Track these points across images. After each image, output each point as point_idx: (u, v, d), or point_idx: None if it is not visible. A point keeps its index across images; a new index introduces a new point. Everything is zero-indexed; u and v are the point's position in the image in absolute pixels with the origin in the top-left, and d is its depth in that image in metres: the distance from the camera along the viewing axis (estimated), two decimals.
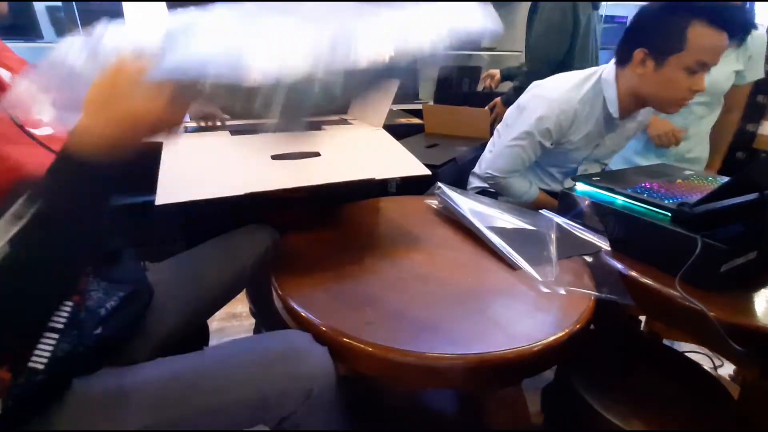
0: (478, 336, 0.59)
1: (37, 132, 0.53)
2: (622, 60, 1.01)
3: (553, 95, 1.06)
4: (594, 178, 0.93)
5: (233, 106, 0.40)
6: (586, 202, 0.85)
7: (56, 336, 0.51)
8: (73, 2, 1.92)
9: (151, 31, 0.42)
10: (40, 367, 0.49)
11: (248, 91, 0.37)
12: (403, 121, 1.92)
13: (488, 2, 0.45)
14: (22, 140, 0.51)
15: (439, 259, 0.79)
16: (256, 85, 0.37)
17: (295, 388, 0.57)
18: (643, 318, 1.23)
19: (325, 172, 0.75)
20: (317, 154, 0.79)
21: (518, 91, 1.40)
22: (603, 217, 0.83)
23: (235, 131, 0.88)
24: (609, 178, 0.94)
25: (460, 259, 0.79)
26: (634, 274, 0.73)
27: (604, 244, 0.80)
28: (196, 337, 0.92)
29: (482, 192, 1.24)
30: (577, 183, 0.93)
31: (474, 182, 1.32)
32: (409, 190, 1.20)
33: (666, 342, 1.16)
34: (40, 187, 0.40)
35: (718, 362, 1.43)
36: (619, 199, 0.83)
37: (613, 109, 1.05)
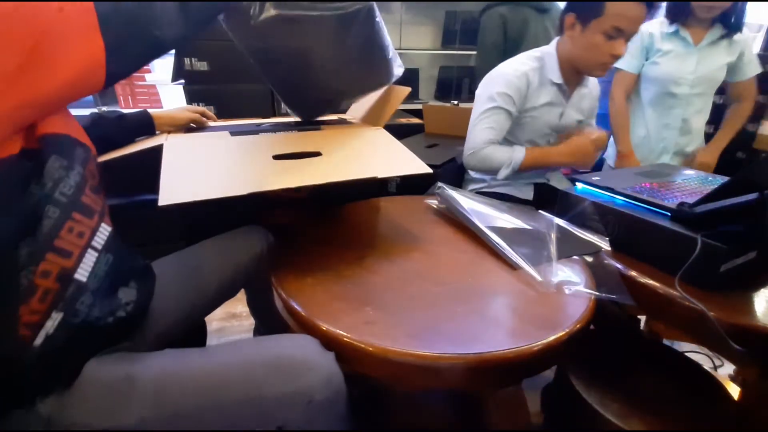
0: (478, 336, 0.59)
1: None
2: (561, 28, 1.13)
3: (503, 70, 1.16)
4: (594, 178, 0.93)
5: None
6: (586, 202, 0.85)
7: (96, 255, 0.55)
8: None
9: None
10: (84, 280, 0.53)
11: None
12: (403, 121, 1.92)
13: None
14: None
15: (439, 258, 0.79)
16: None
17: (295, 394, 0.56)
18: (643, 318, 1.24)
19: (326, 171, 0.75)
20: (318, 154, 0.79)
21: None
22: (603, 217, 0.83)
23: (236, 132, 0.89)
24: (609, 178, 0.94)
25: (460, 259, 0.79)
26: (634, 274, 0.73)
27: (604, 244, 0.80)
28: (194, 334, 0.92)
29: (481, 192, 1.25)
30: (576, 183, 0.93)
31: (470, 185, 1.32)
32: (409, 189, 1.20)
33: (666, 342, 1.17)
34: None
35: (718, 362, 1.43)
36: (619, 199, 0.83)
37: (555, 76, 1.15)
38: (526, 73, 1.14)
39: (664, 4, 1.42)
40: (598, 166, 1.70)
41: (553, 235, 0.82)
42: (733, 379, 1.35)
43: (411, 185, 1.23)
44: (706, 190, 0.88)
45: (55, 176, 0.50)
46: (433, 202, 1.03)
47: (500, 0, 1.77)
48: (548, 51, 1.16)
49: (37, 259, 0.48)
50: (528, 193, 1.25)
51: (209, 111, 1.02)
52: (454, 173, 1.38)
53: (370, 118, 1.04)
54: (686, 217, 0.73)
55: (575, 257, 0.79)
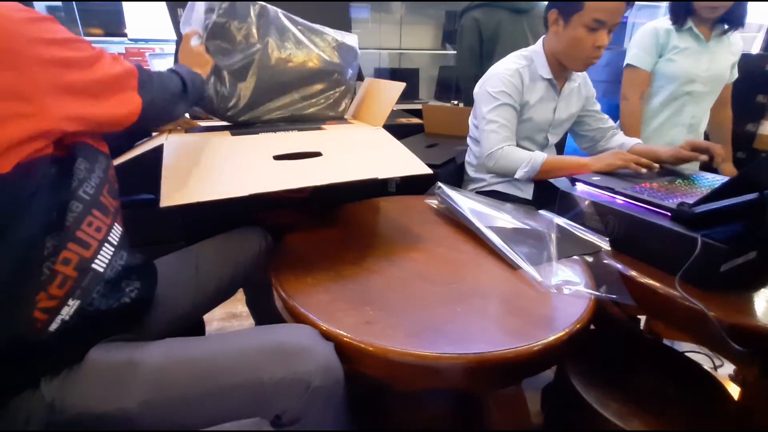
0: (478, 336, 0.59)
1: None
2: (546, 24, 1.15)
3: (495, 71, 1.18)
4: (594, 178, 0.93)
5: None
6: (586, 202, 0.85)
7: (112, 250, 0.60)
8: (73, 2, 1.92)
9: None
10: (101, 269, 0.58)
11: None
12: (403, 121, 1.92)
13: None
14: None
15: (439, 258, 0.79)
16: None
17: (293, 379, 0.57)
18: (643, 318, 1.24)
19: (327, 172, 0.75)
20: (319, 155, 0.79)
21: None
22: (603, 217, 0.83)
23: (236, 132, 0.89)
24: (609, 178, 0.94)
25: (460, 259, 0.79)
26: (634, 274, 0.73)
27: (604, 244, 0.80)
28: (192, 333, 0.92)
29: (481, 192, 1.25)
30: (577, 183, 0.93)
31: (470, 185, 1.32)
32: (409, 189, 1.20)
33: (666, 342, 1.16)
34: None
35: (718, 362, 1.43)
36: (619, 199, 0.83)
37: (545, 72, 1.16)
38: (518, 70, 1.15)
39: (659, 5, 1.43)
40: None
41: (553, 235, 0.83)
42: (733, 379, 1.35)
43: (411, 185, 1.23)
44: (706, 191, 0.88)
45: (80, 176, 0.57)
46: (433, 202, 1.03)
47: (475, 2, 1.79)
48: (536, 49, 1.18)
49: (59, 249, 0.53)
50: (528, 193, 1.25)
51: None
52: (454, 173, 1.38)
53: (370, 118, 1.04)
54: (686, 217, 0.73)
55: (575, 257, 0.79)
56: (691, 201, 0.74)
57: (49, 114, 0.51)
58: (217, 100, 0.93)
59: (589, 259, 0.79)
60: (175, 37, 1.17)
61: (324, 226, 0.92)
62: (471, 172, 1.32)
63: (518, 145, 1.20)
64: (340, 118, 1.07)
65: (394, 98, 0.98)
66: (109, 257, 0.59)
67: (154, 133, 0.91)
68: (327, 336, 0.60)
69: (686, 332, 0.70)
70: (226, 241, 0.87)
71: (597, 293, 0.69)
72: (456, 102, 2.55)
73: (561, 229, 0.85)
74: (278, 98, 0.98)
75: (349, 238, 0.88)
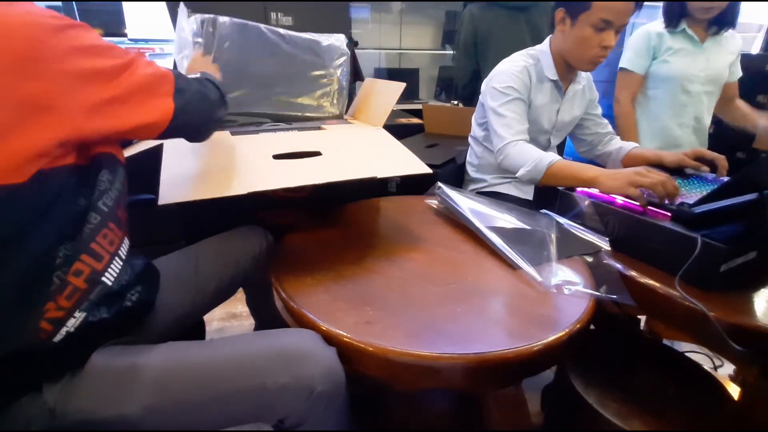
0: (478, 336, 0.59)
1: None
2: (552, 24, 1.13)
3: (503, 68, 1.16)
4: None
5: None
6: (586, 202, 0.85)
7: (121, 264, 0.59)
8: (73, 2, 1.92)
9: None
10: (109, 283, 0.57)
11: None
12: (403, 121, 1.92)
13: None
14: None
15: (439, 258, 0.79)
16: None
17: (297, 385, 0.57)
18: (643, 318, 1.24)
19: (326, 171, 0.75)
20: (318, 154, 0.79)
21: None
22: (603, 217, 0.83)
23: (236, 131, 0.89)
24: None
25: (460, 259, 0.79)
26: (634, 274, 0.73)
27: (604, 244, 0.80)
28: (193, 333, 0.93)
29: (481, 192, 1.25)
30: None
31: (470, 185, 1.32)
32: (409, 189, 1.20)
33: (666, 342, 1.16)
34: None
35: (718, 362, 1.43)
36: (619, 199, 0.83)
37: (551, 72, 1.15)
38: (525, 67, 1.14)
39: (660, 5, 1.42)
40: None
41: (553, 235, 0.82)
42: (733, 379, 1.35)
43: (411, 185, 1.23)
44: (705, 191, 0.88)
45: (102, 188, 0.56)
46: (433, 202, 1.03)
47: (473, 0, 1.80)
48: (542, 49, 1.17)
49: (72, 259, 0.53)
50: (528, 193, 1.25)
51: None
52: (454, 173, 1.38)
53: (370, 118, 1.04)
54: (686, 217, 0.73)
55: (575, 257, 0.79)
56: (691, 201, 0.74)
57: (74, 125, 0.50)
58: None
59: (589, 259, 0.79)
60: (175, 37, 1.17)
61: (324, 226, 0.92)
62: (472, 172, 1.32)
63: None
64: (338, 118, 1.08)
65: (394, 98, 0.98)
66: (117, 271, 0.59)
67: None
68: (327, 336, 0.60)
69: (686, 332, 0.70)
70: (226, 241, 0.87)
71: (597, 293, 0.69)
72: (456, 102, 2.55)
73: (561, 229, 0.85)
74: (256, 90, 0.98)
75: (349, 238, 0.88)
